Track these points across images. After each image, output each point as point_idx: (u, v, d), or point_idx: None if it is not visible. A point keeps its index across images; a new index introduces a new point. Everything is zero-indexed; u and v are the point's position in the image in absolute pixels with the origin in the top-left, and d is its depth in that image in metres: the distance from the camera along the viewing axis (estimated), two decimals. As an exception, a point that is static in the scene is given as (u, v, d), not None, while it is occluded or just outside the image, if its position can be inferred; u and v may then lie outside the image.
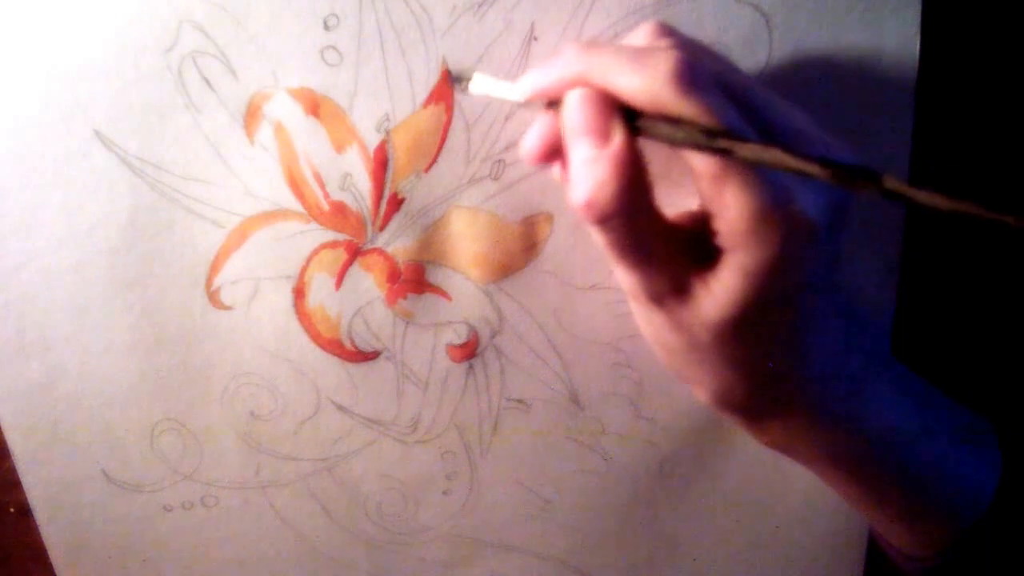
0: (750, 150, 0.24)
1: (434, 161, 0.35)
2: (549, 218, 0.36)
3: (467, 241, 0.36)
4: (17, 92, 0.33)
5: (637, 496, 0.41)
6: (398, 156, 0.35)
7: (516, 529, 0.42)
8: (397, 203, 0.35)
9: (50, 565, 0.41)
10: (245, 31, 0.33)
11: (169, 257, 0.36)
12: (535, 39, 0.34)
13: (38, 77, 0.33)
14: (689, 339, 0.29)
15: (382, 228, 0.36)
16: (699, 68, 0.25)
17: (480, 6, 0.33)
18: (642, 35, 0.29)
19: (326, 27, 0.33)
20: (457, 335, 0.38)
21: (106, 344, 0.37)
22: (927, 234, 0.37)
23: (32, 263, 0.36)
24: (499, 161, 0.35)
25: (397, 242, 0.36)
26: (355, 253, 0.36)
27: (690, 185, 0.28)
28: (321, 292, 0.36)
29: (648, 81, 0.25)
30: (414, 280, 0.37)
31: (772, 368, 0.29)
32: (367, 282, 0.36)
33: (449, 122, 0.34)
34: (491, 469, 0.40)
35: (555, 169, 0.29)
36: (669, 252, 0.28)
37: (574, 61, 0.27)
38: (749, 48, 0.34)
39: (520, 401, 0.39)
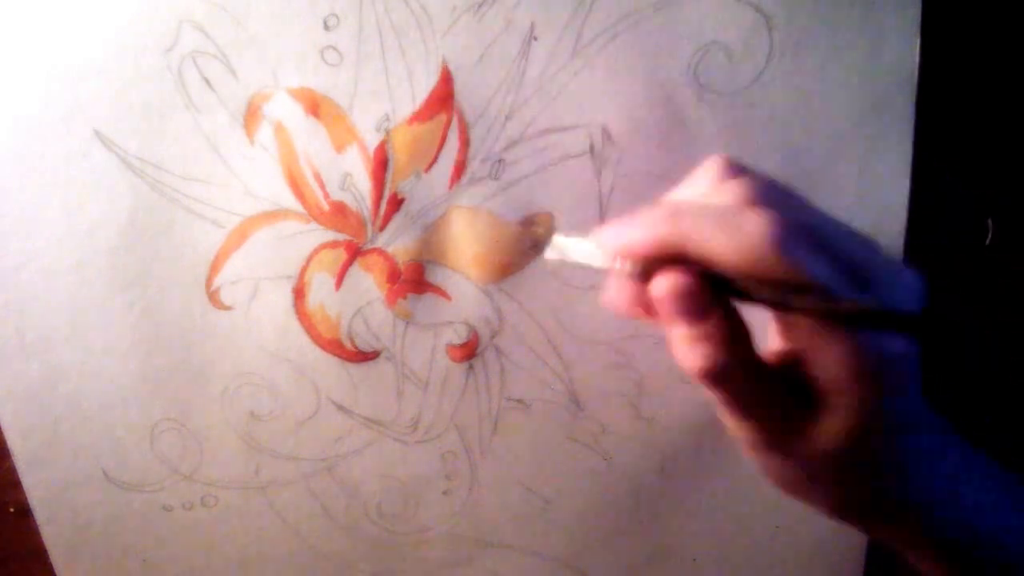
0: (847, 308, 0.24)
1: (434, 161, 0.35)
2: (549, 218, 0.36)
3: (467, 241, 0.36)
4: (17, 92, 0.33)
5: (637, 496, 0.41)
6: (398, 156, 0.35)
7: (516, 529, 0.42)
8: (397, 203, 0.35)
9: (50, 565, 0.41)
10: (245, 31, 0.33)
11: (169, 257, 0.36)
12: (535, 39, 0.34)
13: (38, 77, 0.33)
14: (804, 472, 0.29)
15: (382, 228, 0.36)
16: (794, 229, 0.25)
17: (480, 6, 0.33)
18: (710, 176, 0.28)
19: (326, 27, 0.33)
20: (457, 335, 0.38)
21: (106, 344, 0.37)
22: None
23: (32, 263, 0.36)
24: (499, 160, 0.35)
25: (397, 242, 0.36)
26: (355, 253, 0.36)
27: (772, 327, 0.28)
28: (321, 292, 0.36)
29: (745, 248, 0.24)
30: (414, 280, 0.37)
31: (882, 489, 0.30)
32: (367, 282, 0.36)
33: (449, 122, 0.34)
34: (491, 469, 0.40)
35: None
36: (774, 396, 0.28)
37: (661, 224, 0.26)
38: (750, 48, 0.34)
39: (520, 401, 0.39)
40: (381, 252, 0.36)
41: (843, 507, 0.31)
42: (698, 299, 0.26)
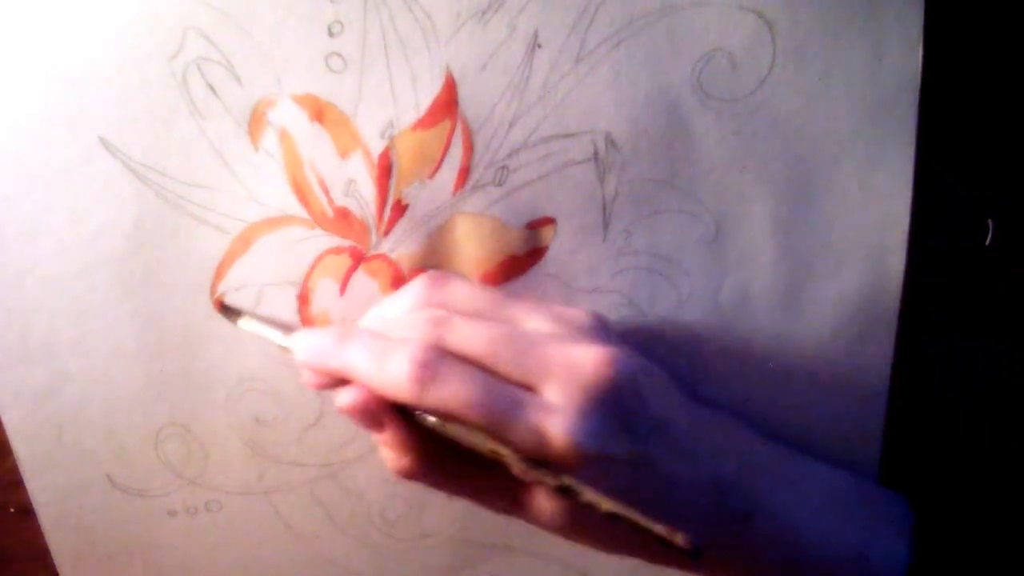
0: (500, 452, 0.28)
1: (438, 167, 0.35)
2: (552, 222, 0.36)
3: (471, 247, 0.36)
4: (22, 98, 0.33)
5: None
6: (402, 162, 0.35)
7: (520, 532, 0.42)
8: (401, 209, 0.36)
9: (51, 565, 0.41)
10: (250, 38, 0.33)
11: (174, 263, 0.36)
12: (539, 46, 0.34)
13: (43, 83, 0.33)
14: (555, 532, 0.31)
15: (386, 234, 0.36)
16: (433, 362, 0.28)
17: (484, 13, 0.33)
18: (410, 297, 0.32)
19: (330, 34, 0.33)
20: (461, 340, 0.38)
21: (110, 350, 0.37)
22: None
23: (37, 269, 0.36)
24: (503, 167, 0.35)
25: (401, 248, 0.36)
26: (359, 259, 0.36)
27: None
28: (325, 298, 0.37)
29: (389, 381, 0.28)
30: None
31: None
32: (372, 288, 0.37)
33: (453, 129, 0.34)
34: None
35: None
36: (490, 479, 0.30)
37: (331, 352, 0.30)
38: (752, 54, 0.34)
39: (523, 406, 0.39)
40: (385, 258, 0.36)
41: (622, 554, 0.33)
42: (370, 414, 0.29)
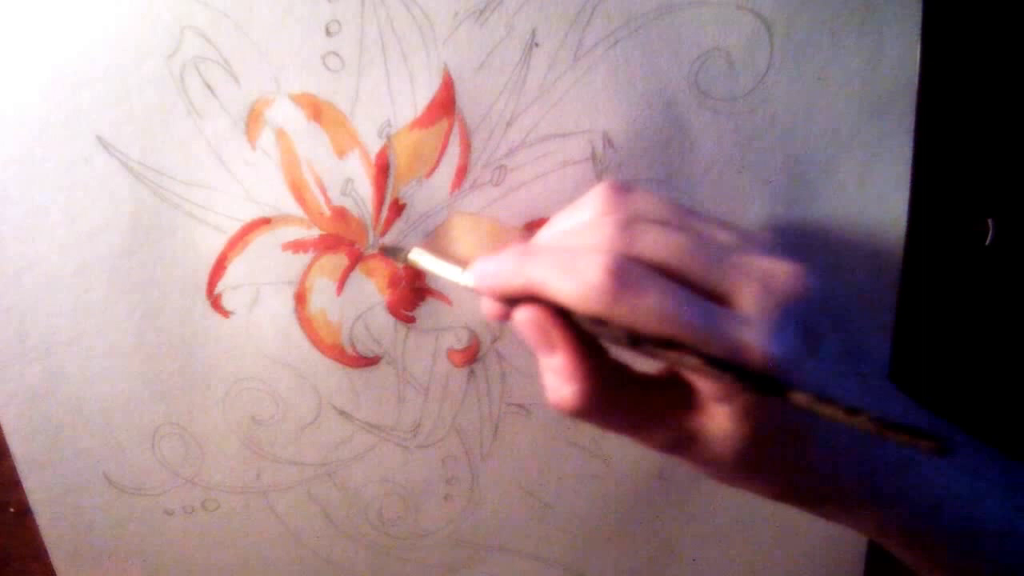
0: (687, 362, 0.25)
1: (435, 167, 0.35)
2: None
3: (468, 246, 0.36)
4: (20, 97, 0.33)
5: (637, 499, 0.41)
6: (399, 162, 0.35)
7: (517, 533, 0.42)
8: (398, 208, 0.36)
9: (50, 565, 0.41)
10: (247, 37, 0.33)
11: (171, 262, 0.36)
12: (536, 45, 0.34)
13: (41, 83, 0.33)
14: (717, 468, 0.29)
15: (383, 233, 0.36)
16: (628, 271, 0.25)
17: (482, 12, 0.33)
18: (594, 206, 0.29)
19: (328, 33, 0.33)
20: (458, 340, 0.38)
21: (108, 348, 0.37)
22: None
23: (34, 267, 0.36)
24: (500, 166, 0.35)
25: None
26: (357, 258, 0.36)
27: None
28: (322, 297, 0.37)
29: (580, 293, 0.25)
30: (415, 285, 0.37)
31: (802, 484, 0.30)
32: (368, 287, 0.37)
33: (450, 128, 0.34)
34: (492, 473, 0.40)
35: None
36: (657, 409, 0.28)
37: (514, 268, 0.27)
38: (750, 54, 0.34)
39: (521, 406, 0.39)
40: (383, 257, 0.36)
41: (774, 493, 0.30)
42: (547, 333, 0.27)
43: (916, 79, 0.34)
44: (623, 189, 0.29)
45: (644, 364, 0.28)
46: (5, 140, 0.34)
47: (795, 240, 0.36)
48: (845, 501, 0.31)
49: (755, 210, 0.36)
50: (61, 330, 0.37)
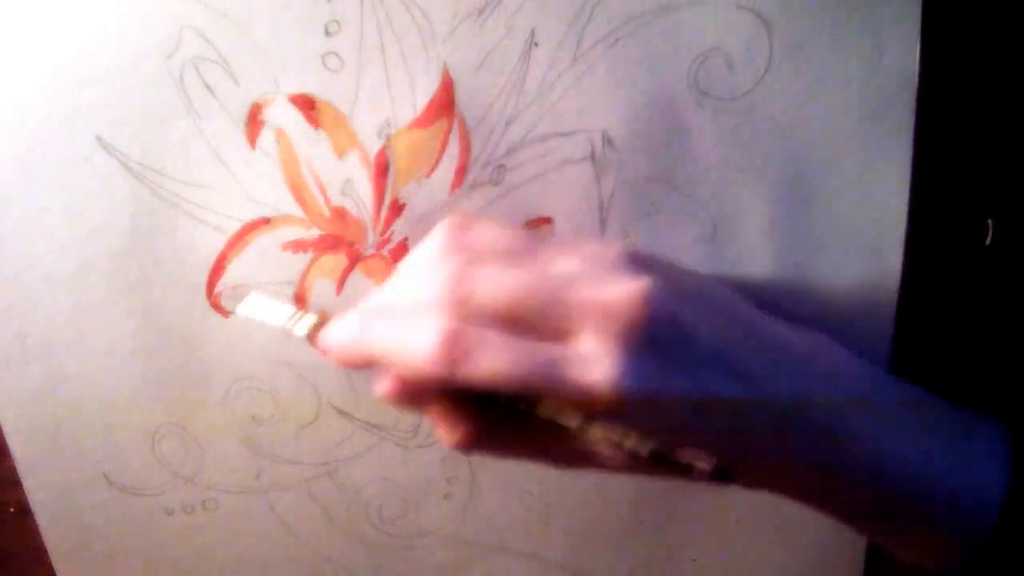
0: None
1: (435, 167, 0.35)
2: (549, 222, 0.36)
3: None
4: (19, 97, 0.33)
5: (637, 499, 0.41)
6: (399, 162, 0.35)
7: (516, 533, 0.42)
8: (398, 208, 0.36)
9: (50, 565, 0.41)
10: (247, 37, 0.33)
11: (170, 262, 0.36)
12: (536, 45, 0.34)
13: (40, 82, 0.33)
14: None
15: (383, 233, 0.36)
16: (459, 337, 0.26)
17: (481, 12, 0.33)
18: (432, 247, 0.30)
19: (327, 33, 0.33)
20: (458, 340, 0.38)
21: (107, 348, 0.37)
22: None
23: (33, 268, 0.36)
24: (500, 166, 0.35)
25: (398, 247, 0.36)
26: (356, 259, 0.36)
27: None
28: (322, 297, 0.37)
29: (418, 365, 0.26)
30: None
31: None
32: (368, 287, 0.37)
33: (450, 128, 0.34)
34: (491, 473, 0.40)
35: None
36: (547, 439, 0.29)
37: (354, 342, 0.28)
38: (749, 54, 0.34)
39: (520, 405, 0.39)
40: (382, 257, 0.36)
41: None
42: (411, 397, 0.28)
43: (916, 79, 0.34)
44: (462, 226, 0.30)
45: None
46: (5, 140, 0.34)
47: (795, 240, 0.36)
48: (772, 472, 0.31)
49: (754, 210, 0.36)
50: (61, 330, 0.37)
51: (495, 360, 0.26)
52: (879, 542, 0.35)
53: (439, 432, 0.29)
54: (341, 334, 0.29)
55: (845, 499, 0.32)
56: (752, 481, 0.32)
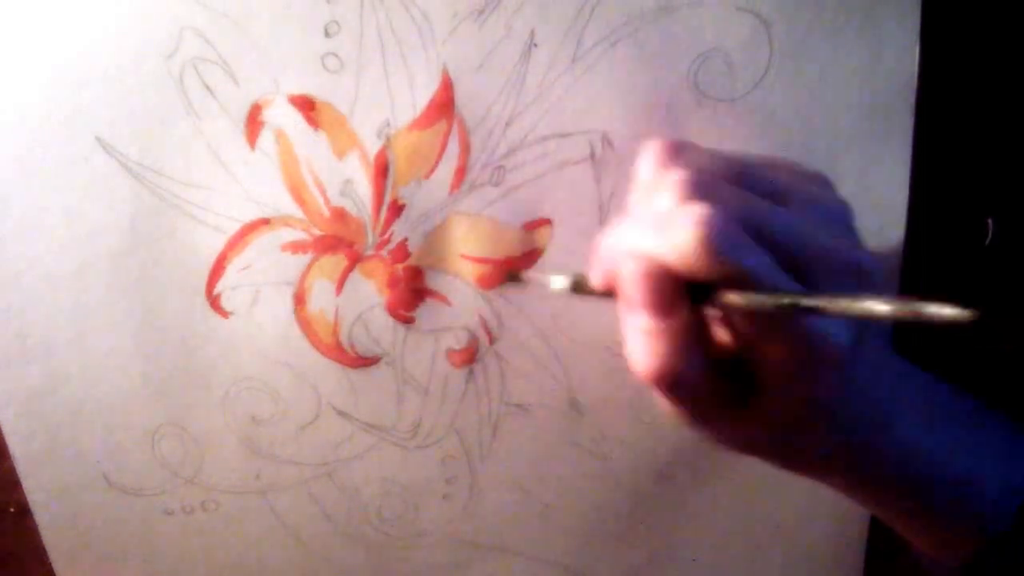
0: (818, 302, 0.24)
1: (434, 167, 0.35)
2: (549, 223, 0.36)
3: (468, 247, 0.36)
4: (19, 98, 0.33)
5: (637, 499, 0.41)
6: (398, 162, 0.35)
7: (516, 533, 0.42)
8: (397, 209, 0.36)
9: (50, 565, 0.41)
10: (246, 37, 0.33)
11: (170, 262, 0.36)
12: (535, 45, 0.34)
13: (40, 83, 0.33)
14: (741, 441, 0.30)
15: (383, 234, 0.36)
16: (724, 223, 0.25)
17: (481, 13, 0.33)
18: (651, 164, 0.29)
19: (327, 34, 0.33)
20: (457, 340, 0.38)
21: (107, 349, 0.37)
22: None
23: (33, 268, 0.36)
24: (499, 167, 0.35)
25: (397, 248, 0.36)
26: (356, 259, 0.36)
27: None
28: (321, 298, 0.37)
29: (680, 249, 0.25)
30: (414, 286, 0.37)
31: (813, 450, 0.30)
32: (367, 288, 0.37)
33: (449, 129, 0.34)
34: (491, 473, 0.40)
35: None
36: (716, 391, 0.28)
37: (611, 246, 0.28)
38: (749, 55, 0.34)
39: (520, 406, 0.39)
40: (381, 258, 0.36)
41: (791, 465, 0.31)
42: (664, 291, 0.26)
43: (916, 79, 0.34)
44: (677, 148, 0.29)
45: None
46: (4, 140, 0.34)
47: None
48: (825, 464, 0.31)
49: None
50: (60, 331, 0.37)
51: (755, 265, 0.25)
52: (897, 528, 0.35)
53: (646, 350, 0.27)
54: (601, 253, 0.28)
55: (869, 483, 0.33)
56: (777, 453, 0.31)
